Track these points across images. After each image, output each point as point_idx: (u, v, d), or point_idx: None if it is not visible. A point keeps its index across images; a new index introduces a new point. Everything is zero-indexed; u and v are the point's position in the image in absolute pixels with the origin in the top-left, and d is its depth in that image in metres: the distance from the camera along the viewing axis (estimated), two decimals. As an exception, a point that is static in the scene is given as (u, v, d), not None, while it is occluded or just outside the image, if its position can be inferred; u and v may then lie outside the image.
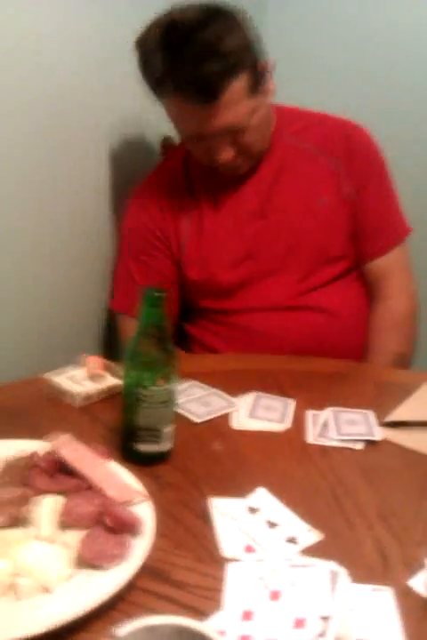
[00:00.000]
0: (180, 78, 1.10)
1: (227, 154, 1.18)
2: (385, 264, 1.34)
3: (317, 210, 1.29)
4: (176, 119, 1.20)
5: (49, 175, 1.32)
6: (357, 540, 0.77)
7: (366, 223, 1.32)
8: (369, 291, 1.37)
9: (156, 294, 0.84)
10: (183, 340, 1.42)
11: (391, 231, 1.35)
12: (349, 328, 1.33)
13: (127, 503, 0.76)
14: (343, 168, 1.29)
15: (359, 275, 1.37)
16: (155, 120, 1.57)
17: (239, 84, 1.12)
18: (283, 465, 0.92)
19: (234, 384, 1.10)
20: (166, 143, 1.58)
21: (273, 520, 0.79)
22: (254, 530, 0.77)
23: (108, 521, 0.72)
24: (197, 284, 1.34)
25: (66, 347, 1.44)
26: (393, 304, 1.34)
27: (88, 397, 1.02)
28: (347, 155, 1.29)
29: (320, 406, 1.04)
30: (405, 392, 1.09)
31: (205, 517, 0.80)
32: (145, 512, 0.76)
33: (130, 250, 1.38)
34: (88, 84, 1.41)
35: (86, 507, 0.75)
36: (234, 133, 1.17)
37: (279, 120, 1.30)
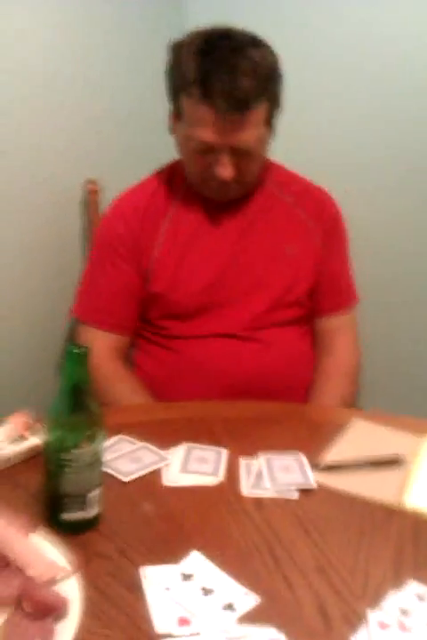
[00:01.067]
0: (214, 84, 1.13)
1: (228, 170, 1.21)
2: (338, 322, 1.42)
3: (285, 256, 1.35)
4: (192, 124, 1.20)
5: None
6: (296, 600, 0.75)
7: (325, 280, 1.39)
8: (318, 343, 1.42)
9: (78, 351, 0.80)
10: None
11: (346, 295, 1.44)
12: (294, 368, 1.35)
13: (50, 582, 0.70)
14: (314, 224, 1.37)
15: (309, 330, 1.42)
16: (80, 163, 1.55)
17: (262, 109, 1.19)
18: (217, 523, 0.88)
19: (164, 435, 1.06)
20: (90, 186, 1.55)
21: (208, 586, 0.75)
22: (188, 599, 0.73)
23: (27, 606, 0.66)
24: (158, 299, 1.33)
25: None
26: (342, 357, 1.40)
27: (7, 461, 0.95)
28: (318, 215, 1.38)
29: (254, 453, 1.01)
30: (337, 432, 1.08)
31: (136, 589, 0.75)
32: (71, 589, 0.71)
33: (99, 256, 1.36)
34: (9, 125, 1.37)
35: (4, 589, 0.69)
36: (241, 155, 1.20)
37: (266, 168, 1.35)
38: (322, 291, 1.39)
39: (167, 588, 0.75)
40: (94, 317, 1.34)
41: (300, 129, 1.72)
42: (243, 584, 0.76)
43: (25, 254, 1.47)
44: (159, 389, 1.31)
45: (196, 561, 0.79)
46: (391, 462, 1.00)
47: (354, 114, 1.76)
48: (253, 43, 1.18)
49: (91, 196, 1.55)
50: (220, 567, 0.78)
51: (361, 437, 1.08)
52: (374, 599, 0.74)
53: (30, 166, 1.44)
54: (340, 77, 1.75)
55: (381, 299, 1.85)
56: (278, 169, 1.41)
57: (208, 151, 1.20)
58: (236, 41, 1.17)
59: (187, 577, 0.76)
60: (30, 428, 1.01)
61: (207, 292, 1.32)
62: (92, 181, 1.55)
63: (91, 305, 1.35)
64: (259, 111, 1.18)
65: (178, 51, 1.20)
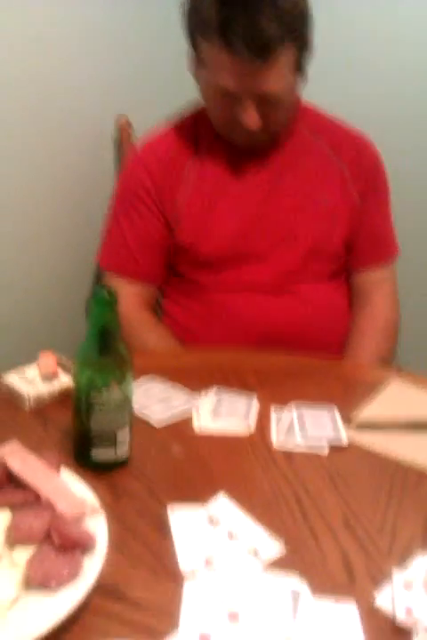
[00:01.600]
0: (234, 29, 1.06)
1: (254, 118, 1.15)
2: (377, 276, 1.36)
3: (320, 207, 1.29)
4: (213, 70, 1.14)
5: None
6: (321, 552, 0.74)
7: (364, 233, 1.34)
8: (356, 297, 1.38)
9: (107, 294, 0.80)
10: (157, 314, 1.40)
11: (386, 248, 1.38)
12: (327, 323, 1.32)
13: (79, 517, 0.71)
14: (350, 174, 1.30)
15: (345, 281, 1.38)
16: (111, 98, 1.52)
17: (289, 54, 1.11)
18: (246, 470, 0.88)
19: (195, 381, 1.06)
20: (122, 122, 1.52)
21: (234, 531, 0.76)
22: (214, 542, 0.74)
23: (56, 538, 0.67)
24: (185, 250, 1.30)
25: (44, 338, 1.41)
26: (380, 311, 1.36)
27: (40, 399, 0.97)
28: (356, 163, 1.31)
29: (285, 404, 1.01)
30: (372, 390, 1.06)
31: (163, 529, 0.76)
32: (98, 526, 0.72)
33: (122, 205, 1.34)
34: (39, 61, 1.34)
35: (35, 522, 0.70)
36: (267, 102, 1.14)
37: (299, 112, 1.29)
38: (360, 244, 1.34)
39: (193, 530, 0.75)
40: (120, 268, 1.32)
41: (339, 75, 1.66)
42: (268, 532, 0.76)
43: (58, 189, 1.46)
44: (189, 338, 1.31)
45: (222, 505, 0.79)
46: None
47: (394, 61, 1.69)
48: None
49: (123, 131, 1.52)
50: (246, 513, 0.78)
51: (398, 397, 1.06)
52: (400, 559, 0.73)
53: (62, 101, 1.41)
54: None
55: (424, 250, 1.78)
56: (314, 113, 1.34)
57: (232, 98, 1.14)
58: None
59: (213, 520, 0.77)
60: (62, 367, 1.02)
61: (235, 244, 1.28)
62: (123, 116, 1.52)
63: (116, 255, 1.33)
64: (284, 56, 1.10)
65: None
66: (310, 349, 1.24)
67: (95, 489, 0.77)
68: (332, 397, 1.05)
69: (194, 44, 1.16)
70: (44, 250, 1.47)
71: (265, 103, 1.14)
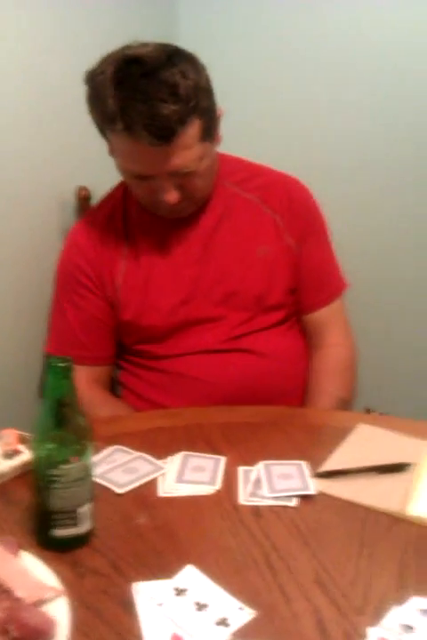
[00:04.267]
0: (133, 117, 1.06)
1: (172, 196, 1.16)
2: (325, 315, 1.35)
3: (256, 259, 1.28)
4: (122, 157, 1.16)
5: None
6: (293, 614, 0.72)
7: (306, 276, 1.33)
8: (308, 340, 1.37)
9: (61, 365, 0.78)
10: (115, 388, 1.38)
11: (331, 285, 1.36)
12: (284, 371, 1.30)
13: (38, 603, 0.68)
14: (283, 221, 1.30)
15: (296, 323, 1.37)
16: (70, 169, 1.53)
17: (193, 128, 1.10)
18: (213, 534, 0.85)
19: (161, 444, 1.04)
20: (82, 193, 1.53)
21: (202, 601, 0.73)
22: (182, 615, 0.71)
23: (13, 630, 0.64)
24: (130, 326, 1.29)
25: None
26: (334, 351, 1.34)
27: (1, 476, 0.94)
28: (287, 209, 1.30)
29: (252, 460, 0.99)
30: (339, 436, 1.05)
31: (128, 605, 0.73)
32: (60, 609, 0.68)
33: (63, 291, 1.33)
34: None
35: (-9, 612, 0.66)
36: (181, 177, 1.14)
37: (222, 168, 1.28)
38: (304, 287, 1.33)
39: (160, 604, 0.72)
40: (68, 354, 1.30)
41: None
42: (238, 598, 0.73)
43: (15, 263, 1.45)
44: (150, 409, 1.28)
45: (190, 575, 0.77)
46: (396, 469, 0.96)
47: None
48: (169, 61, 1.08)
49: (83, 201, 1.53)
50: (215, 581, 0.76)
51: (365, 442, 1.05)
52: (376, 614, 0.71)
53: (23, 174, 1.42)
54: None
55: (371, 283, 1.81)
56: (238, 165, 1.33)
57: (147, 179, 1.15)
58: (147, 65, 1.07)
59: (180, 592, 0.74)
60: (23, 443, 0.99)
61: (178, 312, 1.27)
62: (83, 188, 1.53)
63: (63, 341, 1.32)
64: (189, 132, 1.09)
65: (93, 82, 1.12)
66: (273, 400, 1.23)
67: (57, 569, 0.74)
68: (300, 447, 1.03)
69: (101, 131, 1.17)
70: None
71: (181, 177, 1.15)
